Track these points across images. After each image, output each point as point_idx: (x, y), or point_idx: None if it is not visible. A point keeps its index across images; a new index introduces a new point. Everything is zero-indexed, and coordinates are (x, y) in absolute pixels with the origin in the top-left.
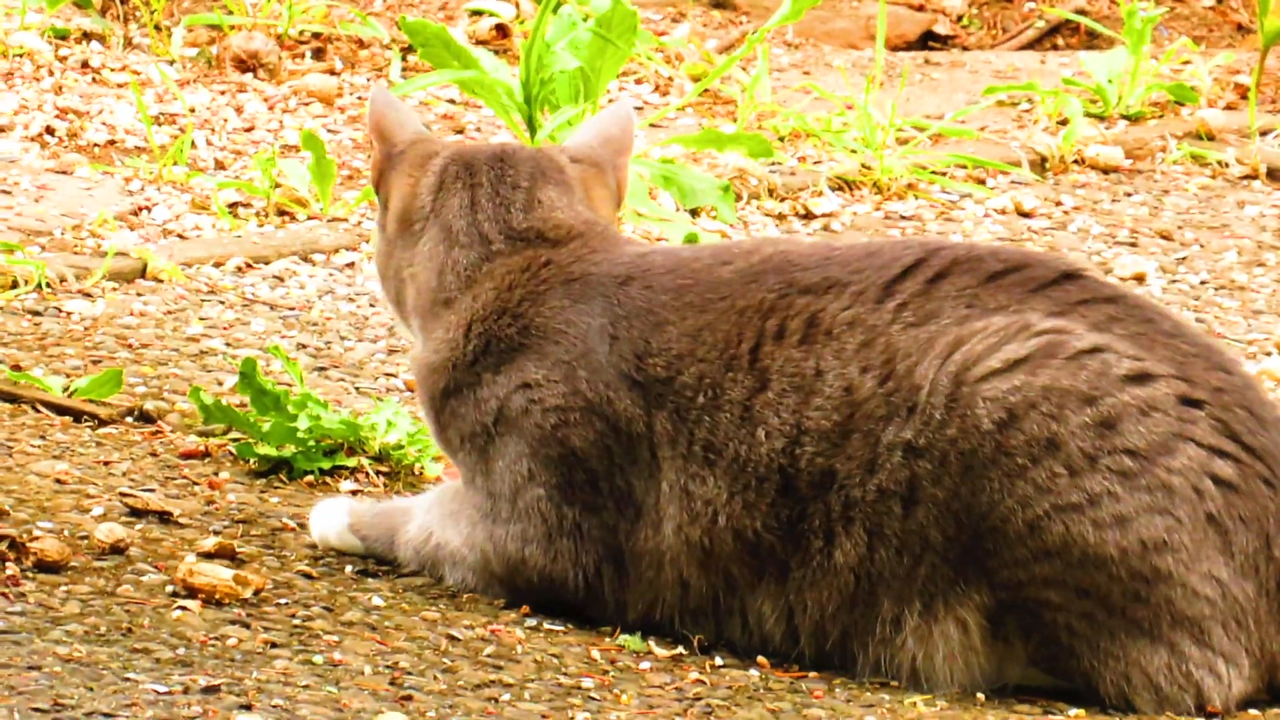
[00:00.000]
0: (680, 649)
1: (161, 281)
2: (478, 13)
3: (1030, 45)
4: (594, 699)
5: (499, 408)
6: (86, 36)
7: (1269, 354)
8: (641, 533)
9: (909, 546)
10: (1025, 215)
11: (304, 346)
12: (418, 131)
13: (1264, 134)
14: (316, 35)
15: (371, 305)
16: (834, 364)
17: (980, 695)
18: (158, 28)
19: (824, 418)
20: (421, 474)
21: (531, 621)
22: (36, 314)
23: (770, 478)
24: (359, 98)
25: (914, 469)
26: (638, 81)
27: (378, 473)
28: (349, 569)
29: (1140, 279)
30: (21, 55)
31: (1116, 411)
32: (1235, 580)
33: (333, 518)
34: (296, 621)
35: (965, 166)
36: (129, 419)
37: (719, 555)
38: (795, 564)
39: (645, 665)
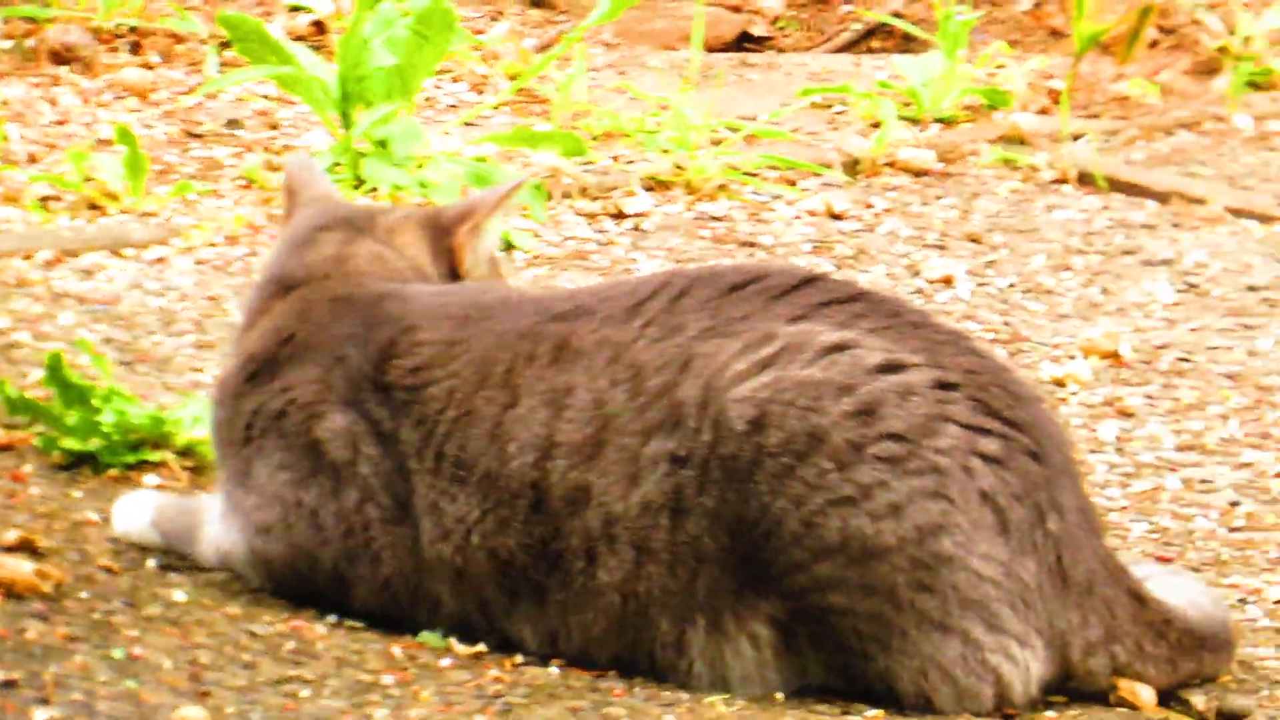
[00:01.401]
0: (481, 646)
1: None
2: (296, 8)
3: (846, 48)
4: (393, 696)
5: (262, 411)
6: None
7: (1073, 358)
8: (402, 536)
9: (682, 561)
10: (836, 217)
11: (111, 341)
12: (326, 192)
13: (1075, 139)
14: (133, 29)
15: (180, 300)
16: (583, 379)
17: (779, 695)
18: None
19: (575, 430)
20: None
21: (333, 618)
22: None
23: (523, 495)
24: (174, 92)
25: (679, 480)
26: (454, 80)
27: (184, 468)
28: (151, 563)
29: (948, 282)
30: None
31: (874, 398)
32: (1016, 559)
33: (136, 512)
34: (97, 616)
35: (778, 168)
36: None
37: (471, 576)
38: (554, 586)
39: (445, 663)
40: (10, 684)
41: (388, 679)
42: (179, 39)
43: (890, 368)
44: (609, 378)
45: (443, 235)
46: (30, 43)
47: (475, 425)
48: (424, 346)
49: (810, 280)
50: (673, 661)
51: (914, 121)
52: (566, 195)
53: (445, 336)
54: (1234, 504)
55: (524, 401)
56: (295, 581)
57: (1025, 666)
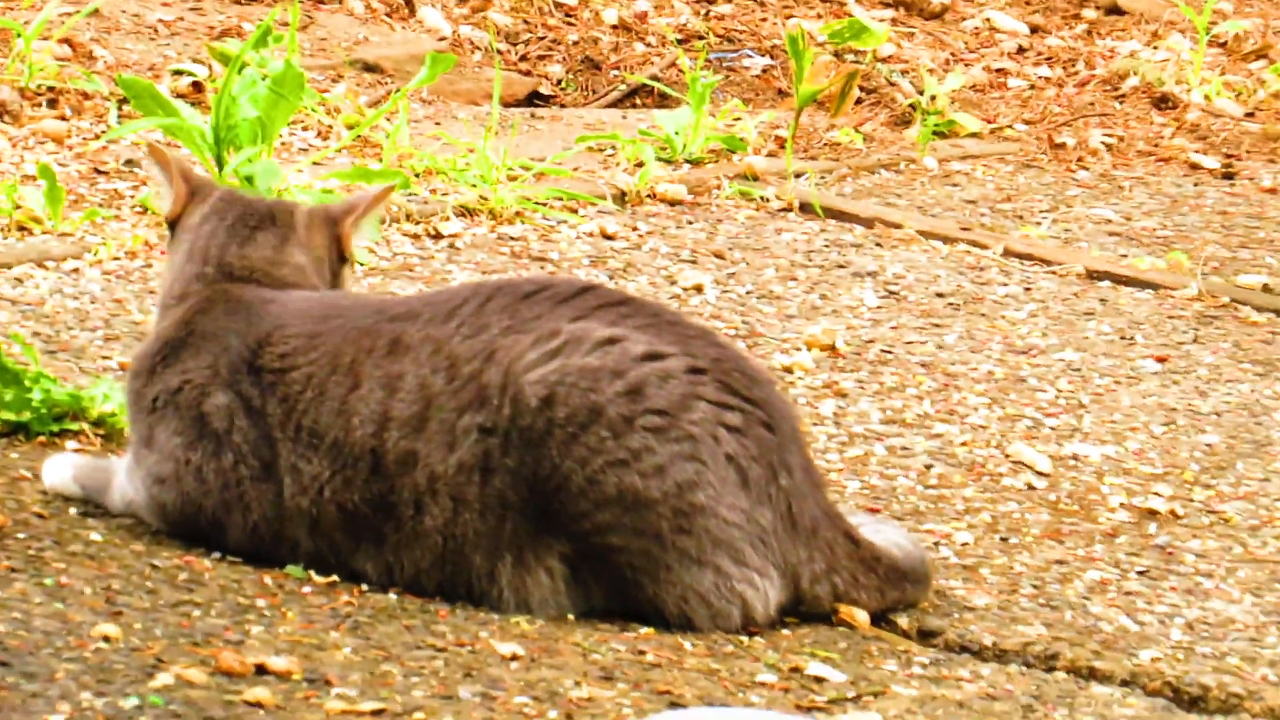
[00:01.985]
0: (335, 577)
1: None
2: (179, 72)
3: (615, 104)
4: (266, 616)
5: (165, 388)
6: None
7: (799, 349)
8: (267, 490)
9: (491, 509)
10: (609, 238)
11: (38, 334)
12: (206, 177)
13: (798, 176)
14: (51, 89)
15: (92, 302)
16: (411, 368)
17: (570, 616)
18: None
19: (405, 408)
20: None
21: (217, 555)
22: None
23: (364, 459)
24: (84, 138)
25: (487, 446)
26: (304, 128)
27: (97, 435)
28: (73, 511)
29: (699, 289)
30: None
31: (640, 380)
32: (755, 508)
33: (60, 470)
34: (31, 552)
35: (562, 198)
36: None
37: (323, 523)
38: (389, 530)
39: (307, 590)
40: None
41: (261, 602)
42: (87, 96)
43: (652, 356)
44: (431, 366)
45: (333, 225)
46: None
47: (327, 403)
48: (290, 340)
49: (588, 289)
50: (485, 590)
51: (669, 162)
52: (394, 220)
53: (307, 331)
54: (928, 466)
55: (365, 384)
56: (185, 524)
57: (765, 593)
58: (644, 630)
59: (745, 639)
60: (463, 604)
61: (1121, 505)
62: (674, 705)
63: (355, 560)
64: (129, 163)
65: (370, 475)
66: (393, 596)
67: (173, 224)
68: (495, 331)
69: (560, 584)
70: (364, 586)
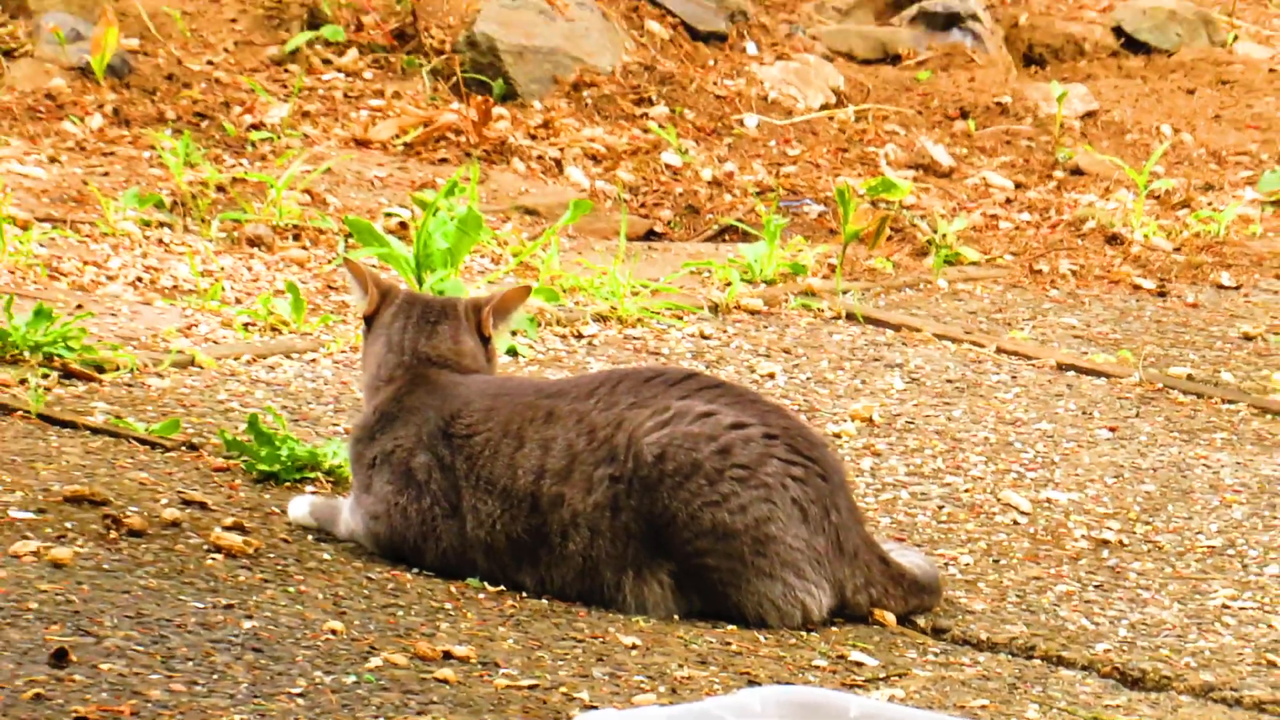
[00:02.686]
0: (502, 587)
1: (202, 368)
2: (390, 214)
3: (710, 239)
4: (451, 615)
5: (381, 450)
6: (161, 224)
7: (846, 420)
8: (454, 525)
9: (619, 537)
10: (705, 338)
11: (285, 407)
12: (390, 281)
13: (844, 293)
14: (295, 226)
15: (325, 384)
16: (561, 433)
17: (676, 617)
18: (203, 219)
19: (556, 462)
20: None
21: (416, 571)
22: (130, 386)
23: (525, 500)
24: (319, 263)
25: (615, 490)
26: (482, 256)
27: (328, 481)
28: (310, 538)
29: (772, 375)
30: (123, 235)
31: (729, 443)
32: (813, 537)
33: (300, 507)
34: (279, 568)
35: (671, 309)
36: (183, 448)
37: (495, 548)
38: (543, 553)
39: (481, 596)
40: (229, 606)
41: (448, 605)
42: (322, 232)
43: (738, 425)
44: (576, 431)
45: (477, 311)
46: (236, 234)
47: (499, 460)
48: (474, 414)
49: (691, 375)
50: (613, 597)
51: (750, 282)
52: (547, 324)
53: (485, 407)
54: (940, 507)
55: (527, 445)
56: (393, 549)
57: (820, 600)
58: (730, 628)
59: (805, 634)
60: (596, 608)
61: (1083, 536)
62: (751, 683)
63: (518, 575)
64: None
65: (530, 512)
66: (545, 601)
67: (369, 320)
68: (623, 406)
69: (669, 594)
70: (524, 594)
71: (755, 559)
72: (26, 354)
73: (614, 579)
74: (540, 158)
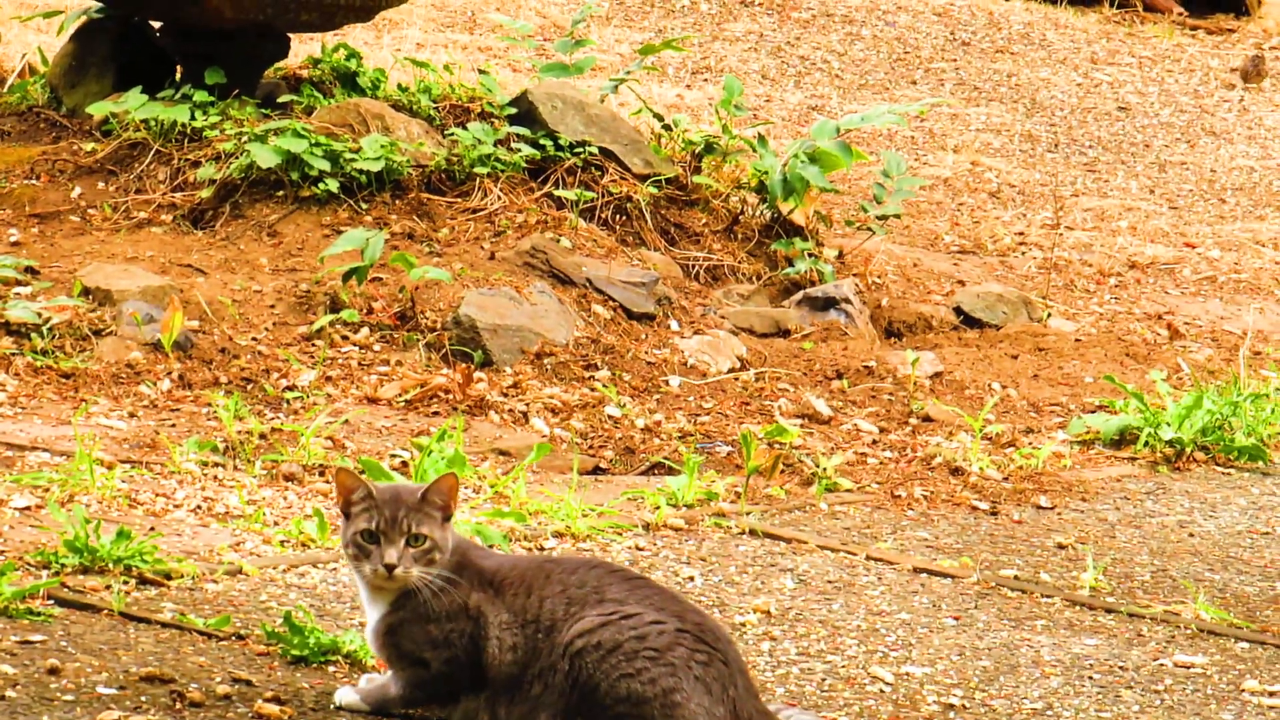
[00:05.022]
0: None
1: (248, 576)
2: (394, 455)
3: (644, 473)
4: None
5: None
6: (216, 464)
7: (748, 613)
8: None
9: (561, 694)
10: (640, 549)
11: (313, 605)
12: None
13: (748, 514)
14: (320, 465)
15: (344, 586)
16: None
17: None
18: (249, 460)
19: (548, 612)
20: (365, 666)
21: None
22: (192, 590)
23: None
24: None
25: (571, 660)
26: (465, 487)
27: (348, 663)
28: (331, 707)
29: (692, 578)
30: (186, 473)
31: (645, 632)
32: (714, 704)
33: (348, 694)
34: None
35: (613, 527)
36: (233, 638)
37: (494, 683)
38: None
39: None
40: None
41: None
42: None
43: (656, 621)
44: (557, 605)
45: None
46: (274, 472)
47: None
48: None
49: (642, 581)
50: None
51: (675, 506)
52: (516, 539)
53: (504, 569)
54: (823, 680)
55: (545, 607)
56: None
57: None
58: None
59: None
60: None
61: (935, 701)
62: None
63: (495, 708)
64: None
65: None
66: None
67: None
68: (589, 588)
69: None
70: None
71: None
72: (111, 565)
73: None
74: (511, 411)
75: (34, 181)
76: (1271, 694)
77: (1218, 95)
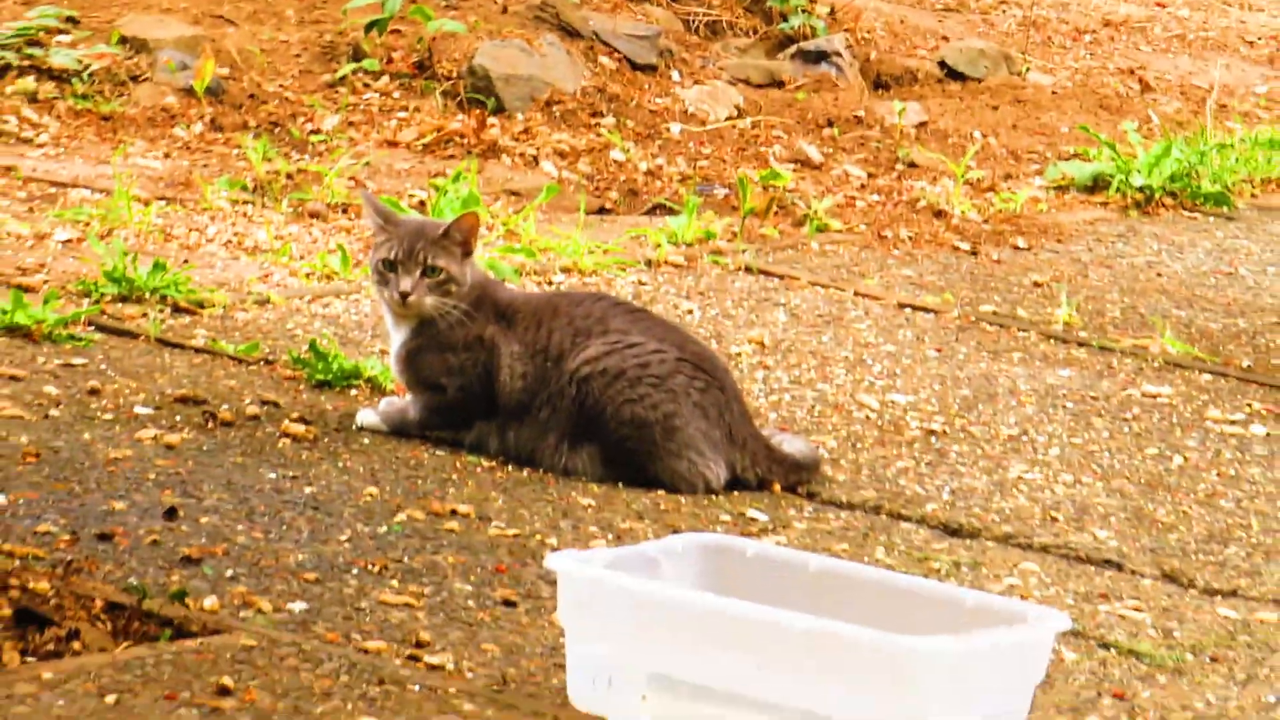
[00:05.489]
0: (496, 462)
1: (275, 306)
2: (412, 195)
3: (646, 214)
4: (457, 483)
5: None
6: (246, 202)
7: (744, 344)
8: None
9: (568, 416)
10: (642, 284)
11: (336, 333)
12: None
13: (743, 252)
14: (343, 203)
15: (365, 315)
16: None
17: (620, 485)
18: (276, 199)
19: (549, 353)
20: (385, 390)
21: (431, 449)
22: (223, 318)
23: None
24: (364, 230)
25: (578, 385)
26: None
27: (368, 387)
28: (353, 428)
29: (690, 312)
30: (218, 210)
31: (647, 360)
32: (710, 429)
33: (369, 415)
34: (331, 449)
35: (617, 263)
36: (261, 363)
37: (505, 410)
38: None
39: (479, 470)
40: (296, 477)
41: (455, 476)
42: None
43: (657, 350)
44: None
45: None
46: (300, 209)
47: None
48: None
49: (644, 314)
50: (553, 461)
51: (675, 244)
52: (527, 274)
53: (520, 301)
54: (813, 406)
55: (554, 335)
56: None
57: (717, 474)
58: (659, 492)
59: (714, 498)
60: (562, 478)
61: (917, 427)
62: (675, 532)
63: (505, 432)
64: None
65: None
66: (526, 473)
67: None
68: (595, 318)
69: (597, 465)
70: (509, 467)
71: (666, 443)
72: (147, 295)
73: (556, 444)
74: (521, 154)
75: None
76: (1232, 422)
77: None
